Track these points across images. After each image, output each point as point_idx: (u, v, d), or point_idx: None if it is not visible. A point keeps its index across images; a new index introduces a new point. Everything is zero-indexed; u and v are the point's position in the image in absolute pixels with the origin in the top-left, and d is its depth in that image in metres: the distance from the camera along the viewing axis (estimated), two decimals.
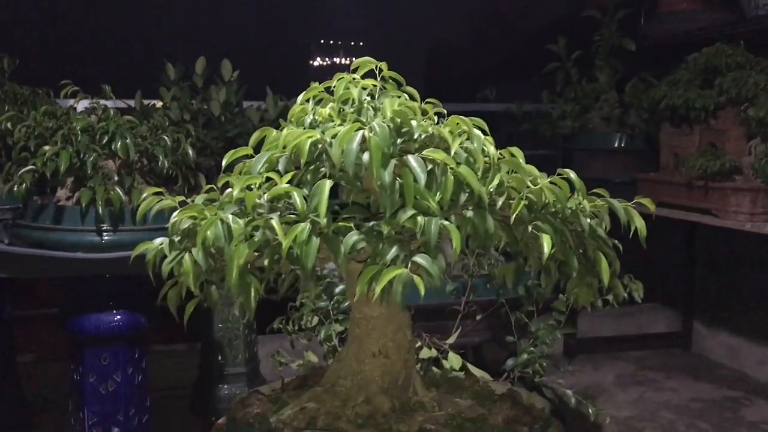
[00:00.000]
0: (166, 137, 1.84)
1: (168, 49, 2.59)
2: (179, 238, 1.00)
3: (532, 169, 1.07)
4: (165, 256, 1.01)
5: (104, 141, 1.75)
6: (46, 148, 1.70)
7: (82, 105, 1.98)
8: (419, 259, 0.92)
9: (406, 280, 0.91)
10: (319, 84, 1.17)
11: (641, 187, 2.71)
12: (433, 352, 1.63)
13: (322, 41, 4.33)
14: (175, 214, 1.01)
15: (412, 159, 0.95)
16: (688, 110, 2.43)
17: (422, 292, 0.91)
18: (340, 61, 4.30)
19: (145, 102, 2.34)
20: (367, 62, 1.13)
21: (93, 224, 1.71)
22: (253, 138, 1.14)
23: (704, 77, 2.48)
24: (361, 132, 0.93)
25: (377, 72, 1.15)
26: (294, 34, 3.85)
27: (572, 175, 1.06)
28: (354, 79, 1.11)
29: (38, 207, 1.75)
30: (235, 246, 0.93)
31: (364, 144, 0.94)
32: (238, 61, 2.44)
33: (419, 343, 1.63)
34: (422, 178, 0.93)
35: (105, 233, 1.72)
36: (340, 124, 1.03)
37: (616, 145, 2.94)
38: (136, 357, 1.89)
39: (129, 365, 1.88)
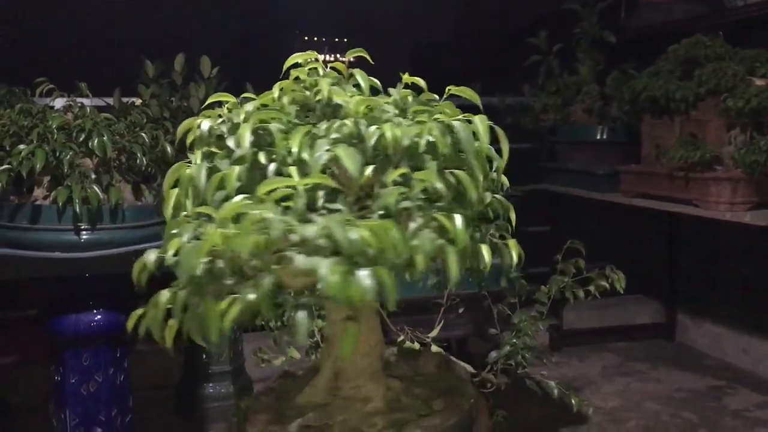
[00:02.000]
0: (143, 134, 1.82)
1: (147, 46, 2.56)
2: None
3: None
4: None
5: (81, 139, 1.73)
6: (22, 146, 1.68)
7: (59, 103, 1.95)
8: None
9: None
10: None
11: (623, 178, 2.72)
12: (416, 346, 1.63)
13: (305, 38, 4.30)
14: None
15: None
16: (668, 101, 2.44)
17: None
18: (324, 57, 4.28)
19: (125, 100, 2.31)
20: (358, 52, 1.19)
21: (70, 223, 1.69)
22: (181, 129, 1.17)
23: (684, 68, 2.48)
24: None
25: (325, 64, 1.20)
26: (276, 30, 3.83)
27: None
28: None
29: (14, 207, 1.72)
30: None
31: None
32: (218, 57, 2.41)
33: (402, 337, 1.63)
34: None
35: (83, 232, 1.70)
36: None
37: (598, 137, 2.95)
38: (117, 357, 1.88)
39: (110, 365, 1.86)
